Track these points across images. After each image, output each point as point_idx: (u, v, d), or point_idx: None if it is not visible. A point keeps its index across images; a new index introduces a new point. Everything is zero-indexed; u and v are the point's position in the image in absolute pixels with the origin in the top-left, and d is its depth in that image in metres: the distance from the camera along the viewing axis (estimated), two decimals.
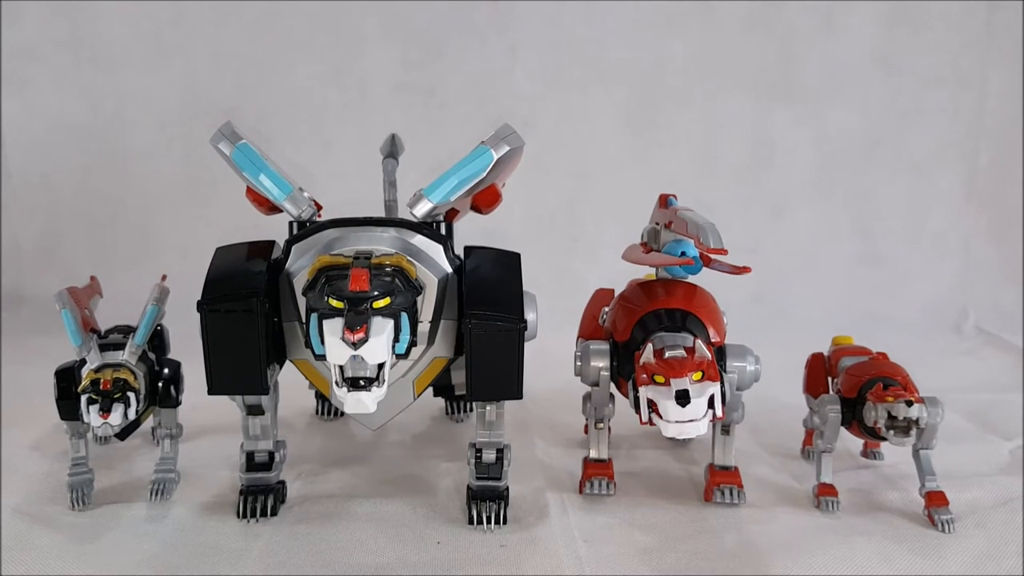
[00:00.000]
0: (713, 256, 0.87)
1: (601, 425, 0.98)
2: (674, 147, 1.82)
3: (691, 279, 0.97)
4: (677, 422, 0.79)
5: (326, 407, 1.22)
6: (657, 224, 0.99)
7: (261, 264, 0.86)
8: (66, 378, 0.91)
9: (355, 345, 0.73)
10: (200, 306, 0.82)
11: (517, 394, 0.86)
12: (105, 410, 0.84)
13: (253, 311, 0.82)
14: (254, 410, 0.91)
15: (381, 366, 0.76)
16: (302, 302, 0.81)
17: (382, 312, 0.75)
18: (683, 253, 0.92)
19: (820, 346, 1.07)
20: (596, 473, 0.97)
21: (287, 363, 0.91)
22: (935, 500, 0.90)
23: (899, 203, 1.86)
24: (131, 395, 0.86)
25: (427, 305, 0.84)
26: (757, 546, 0.86)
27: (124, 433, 0.91)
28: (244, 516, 0.89)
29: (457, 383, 0.95)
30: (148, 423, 0.99)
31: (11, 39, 1.75)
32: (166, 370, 0.94)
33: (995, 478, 1.02)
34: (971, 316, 1.80)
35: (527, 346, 0.85)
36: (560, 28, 1.78)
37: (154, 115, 1.78)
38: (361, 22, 1.77)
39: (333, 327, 0.74)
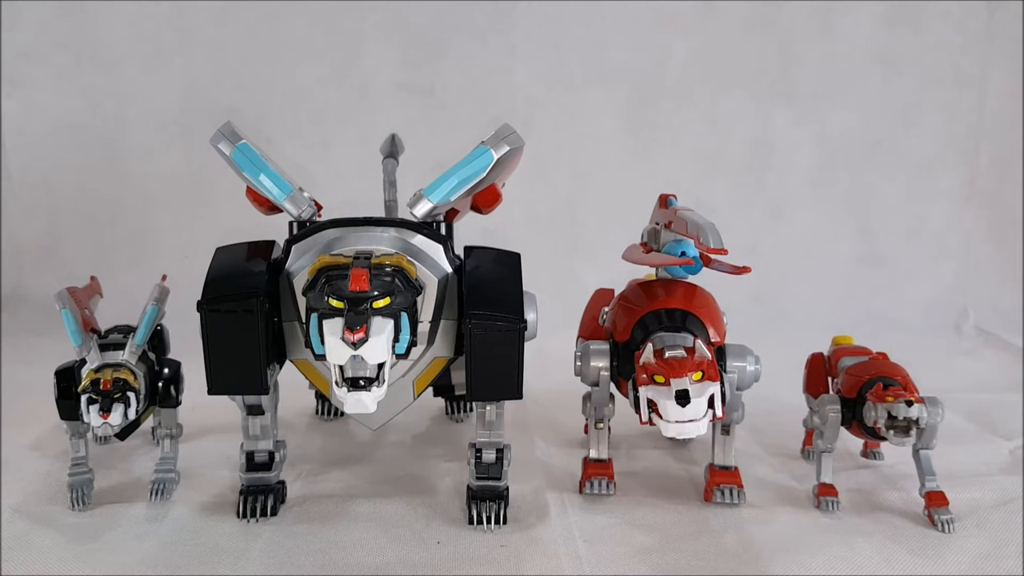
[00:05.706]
0: (713, 256, 0.87)
1: (601, 425, 0.98)
2: (674, 147, 1.82)
3: (691, 279, 0.97)
4: (677, 422, 0.79)
5: (326, 407, 1.22)
6: (657, 224, 0.99)
7: (261, 264, 0.86)
8: (66, 378, 0.91)
9: (355, 345, 0.73)
10: (200, 306, 0.82)
11: (517, 394, 0.86)
12: (105, 410, 0.84)
13: (253, 311, 0.81)
14: (254, 410, 0.91)
15: (381, 366, 0.76)
16: (302, 302, 0.81)
17: (382, 312, 0.75)
18: (683, 253, 0.92)
19: (820, 346, 1.07)
20: (596, 473, 0.97)
21: (287, 363, 0.91)
22: (935, 500, 0.90)
23: (899, 203, 1.85)
24: (131, 395, 0.86)
25: (427, 305, 0.84)
26: (757, 546, 0.86)
27: (124, 433, 0.91)
28: (244, 516, 0.89)
29: (457, 383, 0.95)
30: (148, 423, 0.99)
31: (11, 39, 1.75)
32: (166, 370, 0.94)
33: (995, 478, 1.02)
34: (971, 316, 1.80)
35: (527, 346, 0.85)
36: (560, 28, 1.78)
37: (154, 115, 1.78)
38: (361, 22, 1.77)
39: (333, 327, 0.74)
